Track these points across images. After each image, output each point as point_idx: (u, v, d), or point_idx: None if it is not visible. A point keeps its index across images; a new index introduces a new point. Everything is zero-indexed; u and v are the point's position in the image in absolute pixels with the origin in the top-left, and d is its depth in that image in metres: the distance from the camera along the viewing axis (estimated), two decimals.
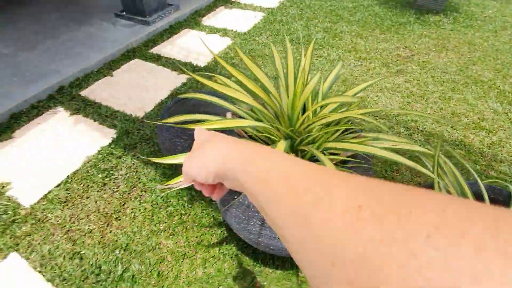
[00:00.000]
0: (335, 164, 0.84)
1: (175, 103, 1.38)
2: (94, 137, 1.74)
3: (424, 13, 3.04)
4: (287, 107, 0.84)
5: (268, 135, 0.89)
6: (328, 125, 0.83)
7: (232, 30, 2.82)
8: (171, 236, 1.28)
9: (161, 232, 1.30)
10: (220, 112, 1.12)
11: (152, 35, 2.70)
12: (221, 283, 1.14)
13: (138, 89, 2.11)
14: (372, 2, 3.30)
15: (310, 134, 0.84)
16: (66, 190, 1.46)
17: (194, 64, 2.35)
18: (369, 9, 3.17)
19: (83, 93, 2.07)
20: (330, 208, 0.16)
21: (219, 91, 0.93)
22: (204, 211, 1.36)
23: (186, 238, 1.27)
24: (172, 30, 2.81)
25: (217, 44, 2.63)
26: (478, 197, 0.86)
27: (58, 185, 1.48)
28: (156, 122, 1.02)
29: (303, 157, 0.84)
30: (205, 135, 0.34)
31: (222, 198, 0.94)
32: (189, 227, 1.31)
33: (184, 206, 1.39)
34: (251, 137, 0.95)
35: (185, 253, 1.23)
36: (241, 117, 0.98)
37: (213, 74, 1.11)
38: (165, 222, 1.33)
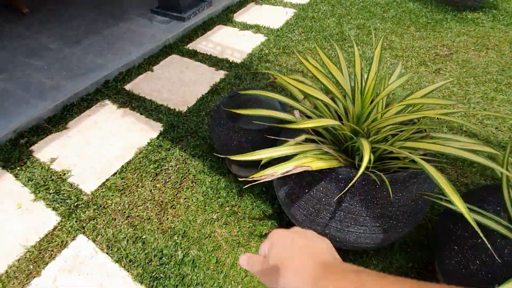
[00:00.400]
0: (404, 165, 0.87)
1: (229, 97, 1.43)
2: (143, 129, 1.83)
3: (461, 10, 2.97)
4: (358, 106, 0.88)
5: (338, 133, 0.93)
6: (398, 124, 0.87)
7: (264, 27, 2.85)
8: (224, 225, 1.35)
9: (215, 221, 1.37)
10: (270, 108, 1.16)
11: (187, 31, 2.77)
12: None
13: (178, 84, 2.19)
14: None
15: (379, 132, 0.88)
16: (122, 179, 1.56)
17: (230, 60, 2.40)
18: (402, 5, 3.12)
19: (127, 87, 2.17)
20: None
21: (290, 86, 0.98)
22: (254, 203, 1.43)
23: (239, 228, 1.34)
24: (205, 26, 2.87)
25: (251, 41, 2.67)
26: None
27: (114, 174, 1.58)
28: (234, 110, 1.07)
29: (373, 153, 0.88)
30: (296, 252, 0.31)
31: (288, 191, 0.99)
32: (241, 217, 1.38)
33: (234, 198, 1.46)
34: (317, 133, 1.00)
35: (239, 241, 1.29)
36: (307, 116, 1.02)
37: (269, 72, 1.15)
38: (217, 212, 1.40)
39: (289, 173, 0.78)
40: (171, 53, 2.52)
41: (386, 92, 0.85)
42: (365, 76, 0.94)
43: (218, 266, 1.22)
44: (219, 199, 1.45)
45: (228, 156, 0.94)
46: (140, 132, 1.82)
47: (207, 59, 2.43)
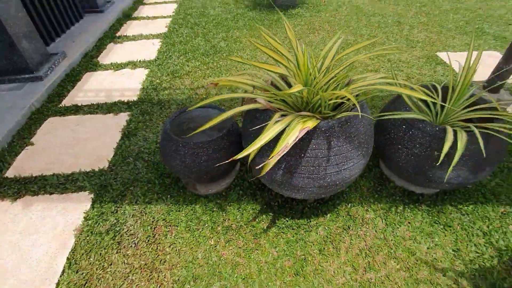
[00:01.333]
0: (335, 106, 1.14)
1: (171, 122, 1.37)
2: (65, 209, 1.46)
3: (285, 9, 3.81)
4: (304, 73, 1.08)
5: (298, 99, 1.10)
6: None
7: (139, 61, 2.76)
8: (227, 244, 1.29)
9: (215, 246, 1.29)
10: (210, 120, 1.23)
11: (52, 89, 2.34)
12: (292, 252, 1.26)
13: (78, 144, 1.85)
14: (244, 10, 3.85)
15: (322, 88, 1.11)
16: (77, 273, 1.21)
17: (125, 101, 2.22)
18: (245, 15, 3.70)
19: (9, 173, 1.65)
20: None
21: (236, 82, 1.07)
22: (240, 209, 1.42)
23: (241, 237, 1.31)
24: (71, 78, 2.50)
25: (134, 77, 2.54)
26: None
27: (62, 274, 1.21)
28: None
29: (318, 107, 1.10)
30: None
31: (287, 166, 1.08)
32: (237, 228, 1.35)
33: (218, 216, 1.40)
34: (283, 101, 1.14)
35: (250, 248, 1.27)
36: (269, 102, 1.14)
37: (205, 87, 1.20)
38: (212, 237, 1.32)
39: (297, 139, 0.88)
40: (46, 118, 2.07)
41: (321, 57, 1.09)
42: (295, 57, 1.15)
43: (248, 280, 1.17)
44: (206, 225, 1.37)
45: (236, 157, 0.94)
46: (63, 213, 1.45)
47: (97, 108, 2.15)
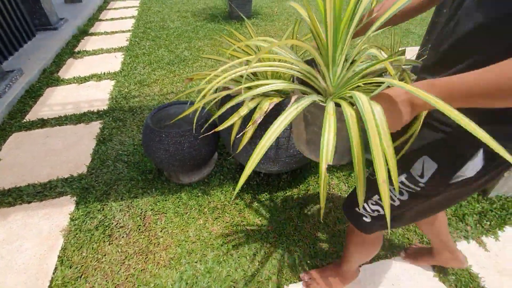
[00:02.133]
0: None
1: (152, 117, 1.48)
2: (47, 214, 1.47)
3: (241, 20, 4.10)
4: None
5: None
6: None
7: (104, 73, 2.79)
8: (215, 221, 1.42)
9: (204, 224, 1.41)
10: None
11: (13, 106, 2.28)
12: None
13: (52, 154, 1.84)
14: (203, 23, 4.06)
15: None
16: (70, 268, 1.24)
17: (95, 110, 2.24)
18: (204, 27, 3.90)
19: None
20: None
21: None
22: (221, 189, 1.56)
23: (227, 213, 1.45)
24: (32, 94, 2.45)
25: (101, 88, 2.56)
26: None
27: (55, 271, 1.23)
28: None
29: None
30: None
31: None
32: (223, 206, 1.48)
33: (203, 199, 1.52)
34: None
35: (238, 220, 1.41)
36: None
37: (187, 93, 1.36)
38: (200, 218, 1.44)
39: (268, 110, 1.08)
40: (10, 133, 2.02)
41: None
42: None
43: (238, 247, 1.30)
44: (193, 209, 1.48)
45: (218, 129, 1.09)
46: (46, 218, 1.45)
47: (65, 120, 2.14)
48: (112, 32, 3.81)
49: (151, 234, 1.37)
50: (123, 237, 1.36)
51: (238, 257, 1.26)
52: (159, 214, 1.46)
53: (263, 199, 1.52)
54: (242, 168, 1.70)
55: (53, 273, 1.23)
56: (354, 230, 0.89)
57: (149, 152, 1.43)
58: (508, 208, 1.41)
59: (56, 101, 2.39)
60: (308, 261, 1.24)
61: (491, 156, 0.56)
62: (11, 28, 2.85)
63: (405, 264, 1.22)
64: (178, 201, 1.52)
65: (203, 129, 1.41)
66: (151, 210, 1.48)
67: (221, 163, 1.74)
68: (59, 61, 3.02)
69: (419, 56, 1.68)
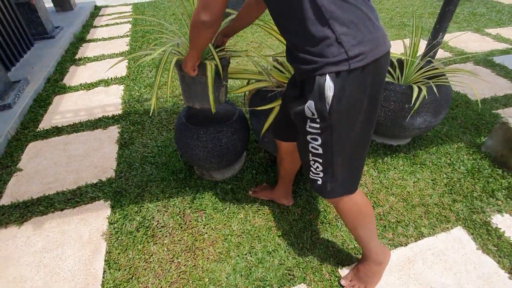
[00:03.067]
0: None
1: (185, 116, 1.48)
2: (83, 219, 1.45)
3: None
4: None
5: None
6: None
7: (110, 78, 2.75)
8: (256, 213, 1.43)
9: (246, 218, 1.42)
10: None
11: (24, 115, 2.22)
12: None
13: (75, 160, 1.81)
14: None
15: None
16: (119, 271, 1.23)
17: (111, 115, 2.22)
18: None
19: (4, 202, 1.56)
20: None
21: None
22: (256, 179, 1.58)
23: (266, 204, 1.47)
24: (40, 103, 2.39)
25: (111, 93, 2.53)
26: None
27: (104, 274, 1.22)
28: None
29: None
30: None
31: None
32: (261, 200, 1.50)
33: (240, 194, 1.53)
34: None
35: (279, 210, 1.43)
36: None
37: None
38: (241, 212, 1.45)
39: None
40: (26, 143, 1.97)
41: None
42: None
43: (283, 236, 1.32)
44: (231, 203, 1.49)
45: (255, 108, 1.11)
46: (83, 223, 1.43)
47: (82, 126, 2.11)
48: (110, 38, 3.76)
49: (194, 231, 1.37)
50: (166, 236, 1.36)
51: (287, 246, 1.28)
52: (198, 211, 1.46)
53: (299, 188, 1.55)
54: (272, 161, 1.72)
55: (103, 277, 1.21)
56: (342, 214, 0.98)
57: (186, 150, 1.43)
58: None
59: (67, 108, 2.35)
60: (354, 245, 1.28)
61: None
62: (11, 38, 2.78)
63: (449, 238, 1.28)
64: (215, 198, 1.52)
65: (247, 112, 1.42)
66: (190, 208, 1.48)
67: (250, 158, 1.75)
68: (61, 69, 2.95)
69: (434, 45, 1.75)
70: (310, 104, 0.75)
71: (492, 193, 1.46)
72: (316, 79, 0.72)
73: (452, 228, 1.33)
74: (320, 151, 0.83)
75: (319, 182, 0.91)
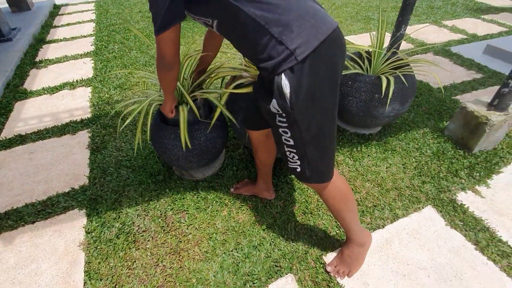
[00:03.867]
0: None
1: (158, 115, 1.44)
2: (57, 231, 1.38)
3: None
4: None
5: None
6: None
7: (76, 81, 2.61)
8: (239, 210, 1.44)
9: (231, 215, 1.42)
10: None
11: None
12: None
13: (43, 169, 1.70)
14: None
15: None
16: (100, 280, 1.18)
17: (79, 120, 2.10)
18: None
19: None
20: None
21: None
22: (236, 175, 1.58)
23: (250, 201, 1.48)
24: (0, 111, 2.22)
25: (78, 96, 2.40)
26: None
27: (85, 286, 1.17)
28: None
29: None
30: None
31: None
32: (243, 196, 1.51)
33: (222, 191, 1.53)
34: None
35: (262, 206, 1.45)
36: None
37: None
38: (224, 210, 1.45)
39: None
40: None
41: None
42: None
43: (268, 229, 1.34)
44: (214, 202, 1.48)
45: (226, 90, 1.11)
46: (58, 235, 1.36)
47: (48, 133, 1.98)
48: (72, 38, 3.55)
49: (177, 232, 1.35)
50: (149, 240, 1.33)
51: (272, 239, 1.30)
52: (180, 212, 1.44)
53: (280, 182, 1.57)
54: (252, 157, 1.73)
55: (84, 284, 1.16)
56: (325, 198, 1.03)
57: (164, 150, 1.40)
58: (491, 160, 1.64)
59: (30, 114, 2.19)
60: (336, 232, 1.33)
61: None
62: None
63: (421, 217, 1.37)
64: (197, 197, 1.51)
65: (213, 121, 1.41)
66: (171, 209, 1.45)
67: (230, 155, 1.75)
68: (21, 73, 2.74)
69: (398, 37, 1.84)
70: (274, 103, 0.79)
71: (456, 173, 1.58)
72: (275, 79, 0.76)
73: (423, 208, 1.42)
74: (292, 142, 0.88)
75: (299, 170, 0.95)
